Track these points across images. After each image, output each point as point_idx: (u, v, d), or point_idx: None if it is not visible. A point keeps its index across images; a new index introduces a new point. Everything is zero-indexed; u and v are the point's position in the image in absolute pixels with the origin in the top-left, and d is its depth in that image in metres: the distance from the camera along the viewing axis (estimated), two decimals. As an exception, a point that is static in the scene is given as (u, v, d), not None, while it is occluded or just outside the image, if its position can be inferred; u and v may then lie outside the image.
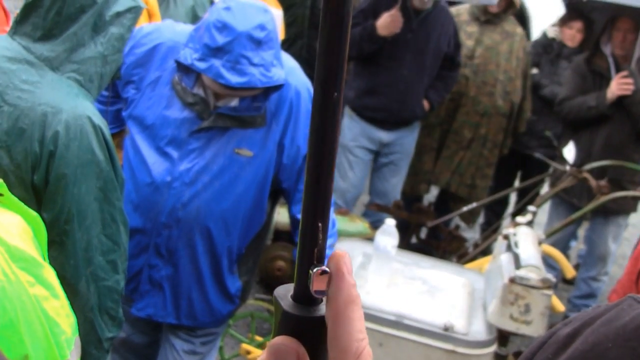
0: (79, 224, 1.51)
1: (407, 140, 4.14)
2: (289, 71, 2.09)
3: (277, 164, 2.10)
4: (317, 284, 0.43)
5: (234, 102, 2.03)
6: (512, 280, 2.39)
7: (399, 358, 2.39)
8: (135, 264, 2.12)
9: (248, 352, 3.06)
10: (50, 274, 1.34)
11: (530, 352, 0.71)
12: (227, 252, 2.13)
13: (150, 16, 2.99)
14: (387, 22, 3.67)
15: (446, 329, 2.36)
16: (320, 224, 0.43)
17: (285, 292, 0.46)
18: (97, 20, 1.59)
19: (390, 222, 2.57)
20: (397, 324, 2.38)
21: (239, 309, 2.37)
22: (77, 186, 1.50)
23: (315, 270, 0.43)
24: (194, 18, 3.41)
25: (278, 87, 2.00)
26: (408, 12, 3.74)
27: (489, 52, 4.31)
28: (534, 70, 4.75)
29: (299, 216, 2.06)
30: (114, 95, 2.23)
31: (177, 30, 2.12)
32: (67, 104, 1.51)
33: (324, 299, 0.44)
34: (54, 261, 1.48)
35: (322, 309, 0.45)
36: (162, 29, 2.13)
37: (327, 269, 0.44)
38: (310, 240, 0.44)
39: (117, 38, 1.64)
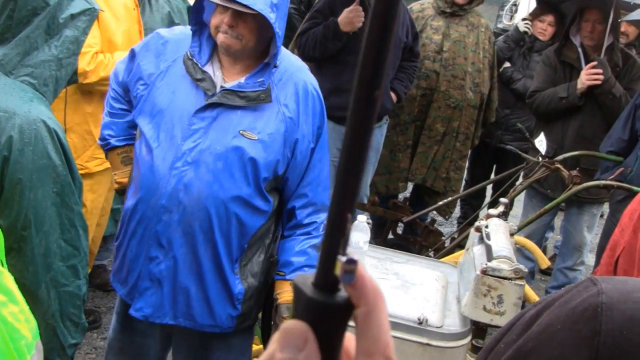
0: (37, 230, 1.49)
1: (375, 138, 4.13)
2: (299, 68, 2.14)
3: (287, 159, 2.08)
4: (345, 272, 0.46)
5: (241, 80, 2.05)
6: (484, 272, 2.38)
7: (374, 354, 2.38)
8: (135, 260, 2.07)
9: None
10: (8, 280, 1.31)
11: (500, 334, 0.71)
12: (226, 243, 2.06)
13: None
14: (350, 17, 3.66)
15: (420, 322, 2.34)
16: (349, 215, 0.45)
17: (304, 280, 0.47)
18: (50, 23, 1.56)
19: (361, 218, 2.55)
20: (371, 319, 2.37)
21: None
22: (33, 191, 1.47)
23: (344, 259, 0.45)
24: (170, 24, 3.39)
25: (274, 59, 2.02)
26: (364, 4, 3.73)
27: (456, 45, 4.32)
28: (506, 64, 4.77)
29: (301, 211, 2.00)
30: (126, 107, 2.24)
31: (185, 32, 2.17)
32: (20, 108, 1.48)
33: (342, 287, 0.46)
34: (12, 268, 1.45)
35: (342, 295, 0.46)
36: (164, 32, 2.20)
37: (355, 259, 0.45)
38: (339, 231, 0.45)
39: (72, 41, 1.61)
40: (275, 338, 0.47)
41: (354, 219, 2.49)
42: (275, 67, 2.07)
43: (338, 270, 0.45)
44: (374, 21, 0.44)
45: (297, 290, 0.47)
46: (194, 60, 2.05)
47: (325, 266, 0.46)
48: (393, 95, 4.06)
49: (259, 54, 2.09)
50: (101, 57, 2.97)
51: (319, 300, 0.46)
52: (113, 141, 2.28)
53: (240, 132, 2.02)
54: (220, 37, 2.01)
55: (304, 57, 3.62)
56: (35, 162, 1.47)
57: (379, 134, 4.18)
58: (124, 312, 2.19)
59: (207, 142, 2.01)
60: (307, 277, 0.47)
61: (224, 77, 2.09)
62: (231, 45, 2.02)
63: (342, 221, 0.45)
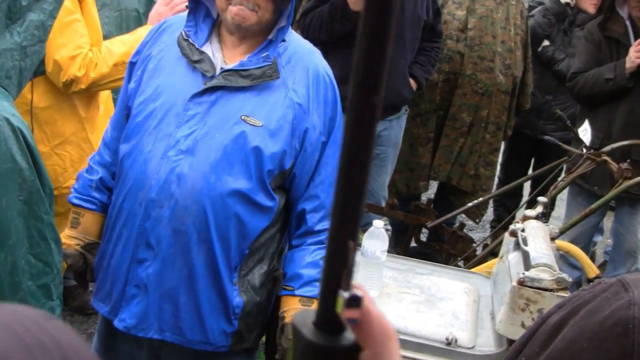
0: (1, 244, 1.49)
1: (393, 131, 4.13)
2: (310, 51, 2.18)
3: (296, 152, 2.09)
4: (348, 311, 0.44)
5: (243, 59, 2.07)
6: (521, 283, 2.36)
7: (396, 380, 2.37)
8: (120, 267, 2.08)
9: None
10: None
11: (520, 344, 0.70)
12: (224, 246, 2.05)
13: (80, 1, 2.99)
14: None
15: (449, 342, 2.34)
16: (351, 242, 0.43)
17: (304, 319, 0.46)
18: (12, 6, 1.57)
19: (378, 224, 2.54)
20: (392, 340, 2.36)
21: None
22: (-4, 200, 1.47)
23: (346, 295, 0.44)
24: (148, 3, 3.45)
25: (282, 33, 2.06)
26: None
27: (483, 21, 4.31)
28: (545, 43, 4.75)
29: (311, 215, 2.01)
30: None
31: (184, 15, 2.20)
32: (-21, 105, 1.49)
33: (348, 325, 0.45)
34: (-26, 289, 1.46)
35: (347, 337, 0.45)
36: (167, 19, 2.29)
37: (359, 294, 0.44)
38: (338, 261, 0.44)
39: (37, 26, 1.62)
40: None
41: (369, 225, 2.49)
42: (284, 41, 2.09)
43: (340, 308, 0.44)
44: (368, 4, 0.41)
45: (295, 331, 0.46)
46: (190, 40, 2.07)
47: (326, 303, 0.45)
48: (412, 82, 4.05)
49: (268, 31, 2.11)
50: (90, 55, 2.99)
51: (319, 344, 0.45)
52: (72, 195, 2.28)
53: (242, 117, 2.03)
54: (233, 10, 2.02)
55: (309, 41, 3.62)
56: (-3, 166, 1.48)
57: (398, 127, 4.18)
58: (106, 331, 2.19)
59: (204, 129, 2.02)
60: (307, 314, 0.46)
61: (225, 58, 2.11)
62: (246, 19, 2.03)
63: (343, 250, 0.43)
